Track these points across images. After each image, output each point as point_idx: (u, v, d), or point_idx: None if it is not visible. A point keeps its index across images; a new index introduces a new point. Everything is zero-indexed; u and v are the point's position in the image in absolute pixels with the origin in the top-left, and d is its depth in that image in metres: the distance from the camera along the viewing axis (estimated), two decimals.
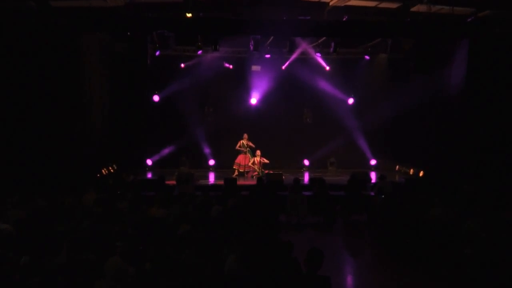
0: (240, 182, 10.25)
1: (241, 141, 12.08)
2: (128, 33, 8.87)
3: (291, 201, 7.85)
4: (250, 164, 11.78)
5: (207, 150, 13.25)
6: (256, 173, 11.40)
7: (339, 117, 13.08)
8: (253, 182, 10.07)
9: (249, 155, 12.01)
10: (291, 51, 11.64)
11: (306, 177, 11.52)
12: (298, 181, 8.17)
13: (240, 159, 12.00)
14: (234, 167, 11.92)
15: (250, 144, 11.87)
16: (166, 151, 12.93)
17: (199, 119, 13.00)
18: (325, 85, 13.27)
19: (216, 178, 11.56)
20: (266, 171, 11.13)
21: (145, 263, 3.65)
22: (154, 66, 12.46)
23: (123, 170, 11.42)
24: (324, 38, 10.94)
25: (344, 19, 8.83)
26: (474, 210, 5.65)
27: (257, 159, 11.71)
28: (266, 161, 11.68)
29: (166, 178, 8.79)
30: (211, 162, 13.37)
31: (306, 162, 13.49)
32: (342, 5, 8.91)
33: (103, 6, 8.55)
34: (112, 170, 11.46)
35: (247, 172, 11.88)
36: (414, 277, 5.12)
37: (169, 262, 3.52)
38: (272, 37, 11.62)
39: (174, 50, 12.65)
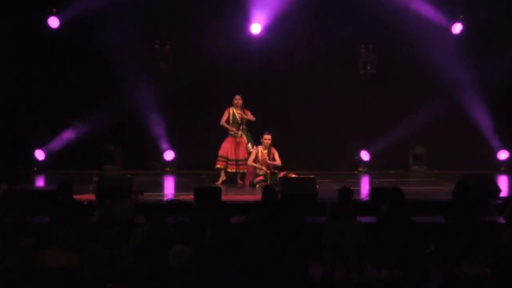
0: (230, 196, 10.40)
1: (231, 110, 12.08)
2: None
3: (333, 235, 7.80)
4: (250, 161, 11.73)
5: (160, 132, 13.65)
6: (261, 178, 11.54)
7: (432, 64, 13.29)
8: (255, 196, 10.07)
9: (245, 139, 12.06)
10: None
11: (364, 186, 11.89)
12: (347, 194, 8.09)
13: (227, 148, 11.99)
14: (217, 165, 12.02)
15: (249, 116, 11.98)
16: (74, 133, 13.43)
17: (143, 68, 13.41)
18: None
19: (178, 187, 11.92)
20: (282, 174, 11.19)
21: None
22: None
23: None
24: None
25: None
26: None
27: (261, 149, 11.71)
28: (276, 162, 11.60)
29: (77, 188, 8.98)
30: (169, 155, 13.83)
31: (365, 156, 14.01)
32: None
33: None
34: None
35: (243, 175, 11.92)
36: None
37: None
38: None
39: None
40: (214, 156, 11.99)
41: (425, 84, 13.67)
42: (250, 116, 11.92)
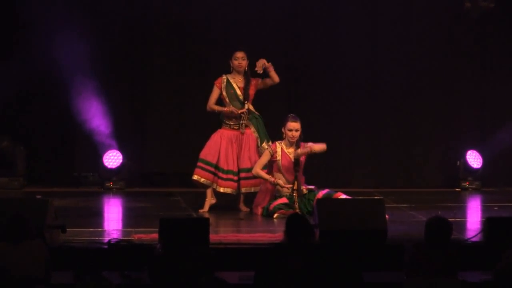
0: (225, 234, 10.56)
1: (223, 80, 12.22)
2: None
3: None
4: (257, 169, 11.78)
5: (97, 118, 14.11)
6: (283, 200, 11.72)
7: None
8: (272, 234, 10.22)
9: (254, 131, 12.15)
10: None
11: (473, 216, 12.32)
12: (442, 230, 8.19)
13: (217, 146, 12.11)
14: (194, 176, 12.22)
15: (271, 76, 12.16)
16: None
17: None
18: None
19: (130, 219, 12.07)
20: (323, 193, 11.56)
21: None
22: None
23: None
24: None
25: None
26: None
27: (283, 146, 11.77)
28: (316, 146, 11.66)
29: None
30: (113, 159, 14.23)
31: (474, 161, 14.42)
32: None
33: None
34: None
35: (248, 197, 12.08)
36: None
37: None
38: None
39: None
40: (194, 160, 12.12)
41: None
42: (273, 74, 11.94)
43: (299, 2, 14.16)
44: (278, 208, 11.34)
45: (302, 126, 11.57)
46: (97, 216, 12.01)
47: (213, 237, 9.22)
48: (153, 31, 14.14)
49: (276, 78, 11.96)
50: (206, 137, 12.03)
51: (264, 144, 11.87)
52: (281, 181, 11.43)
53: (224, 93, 11.91)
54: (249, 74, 11.95)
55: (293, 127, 11.49)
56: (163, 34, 14.13)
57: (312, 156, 11.75)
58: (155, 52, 14.20)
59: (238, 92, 11.90)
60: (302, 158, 11.59)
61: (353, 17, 14.27)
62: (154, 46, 14.21)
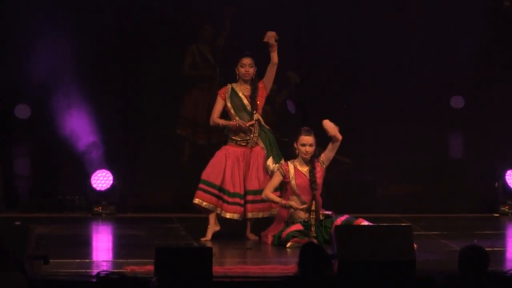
0: (231, 266, 10.55)
1: (227, 90, 12.30)
2: None
3: None
4: (268, 192, 11.82)
5: (84, 134, 14.01)
6: (298, 227, 11.69)
7: None
8: (284, 266, 10.20)
9: (262, 148, 12.19)
10: None
11: None
12: (478, 261, 7.87)
13: (222, 165, 12.16)
14: (195, 199, 12.25)
15: (272, 64, 12.22)
16: None
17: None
18: None
19: (122, 248, 12.22)
20: (341, 219, 11.65)
21: None
22: None
23: None
24: None
25: None
26: None
27: (297, 165, 11.79)
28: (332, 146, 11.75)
29: None
30: (102, 181, 14.19)
31: None
32: None
33: None
34: None
35: (248, 225, 12.19)
36: None
37: None
38: None
39: None
40: (195, 182, 12.14)
41: None
42: (274, 54, 11.96)
43: (314, 2, 14.26)
44: (292, 235, 11.29)
45: (317, 141, 11.56)
46: (84, 245, 12.04)
47: (217, 269, 9.09)
48: (147, 39, 14.30)
49: (275, 58, 11.90)
50: (209, 155, 12.05)
51: (268, 162, 11.86)
52: (294, 202, 11.40)
53: (228, 104, 11.96)
54: (257, 82, 11.95)
55: (306, 141, 11.51)
56: (158, 42, 14.29)
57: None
58: (149, 61, 14.34)
59: (245, 101, 11.94)
60: (319, 175, 11.54)
61: (377, 18, 14.37)
62: (148, 55, 14.35)
